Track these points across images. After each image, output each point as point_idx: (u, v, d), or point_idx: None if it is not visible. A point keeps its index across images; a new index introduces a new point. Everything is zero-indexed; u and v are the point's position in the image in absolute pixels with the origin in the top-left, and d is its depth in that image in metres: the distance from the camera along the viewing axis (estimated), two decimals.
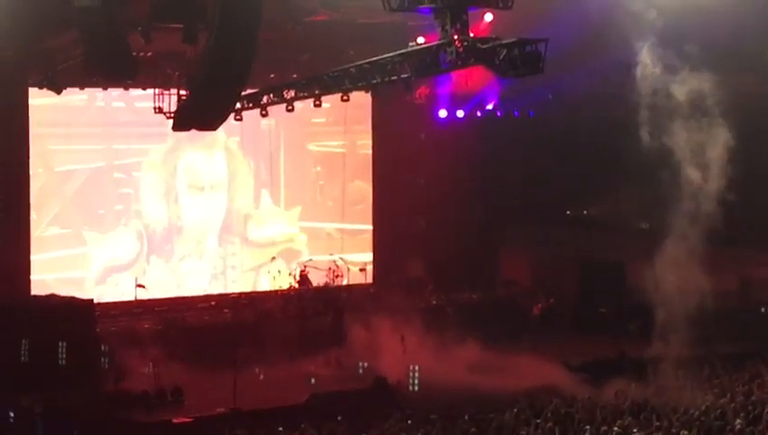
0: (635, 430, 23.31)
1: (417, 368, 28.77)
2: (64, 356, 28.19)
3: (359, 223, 39.27)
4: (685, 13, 30.22)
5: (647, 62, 32.92)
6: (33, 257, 32.32)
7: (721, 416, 24.59)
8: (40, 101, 32.46)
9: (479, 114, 38.26)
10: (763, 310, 36.52)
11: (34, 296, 31.07)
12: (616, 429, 23.37)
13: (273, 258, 36.61)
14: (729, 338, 33.79)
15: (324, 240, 38.59)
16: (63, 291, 30.94)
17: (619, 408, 25.69)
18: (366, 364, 29.59)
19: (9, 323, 28.61)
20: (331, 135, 39.48)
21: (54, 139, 34.16)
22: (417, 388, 28.33)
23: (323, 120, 38.63)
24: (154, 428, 26.28)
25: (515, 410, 25.53)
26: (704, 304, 32.44)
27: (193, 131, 32.81)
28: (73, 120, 34.52)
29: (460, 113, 38.02)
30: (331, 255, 37.07)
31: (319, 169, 39.43)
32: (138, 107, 33.33)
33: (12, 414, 24.87)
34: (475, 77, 34.83)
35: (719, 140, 32.12)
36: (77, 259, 34.14)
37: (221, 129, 34.68)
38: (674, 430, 23.30)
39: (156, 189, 36.10)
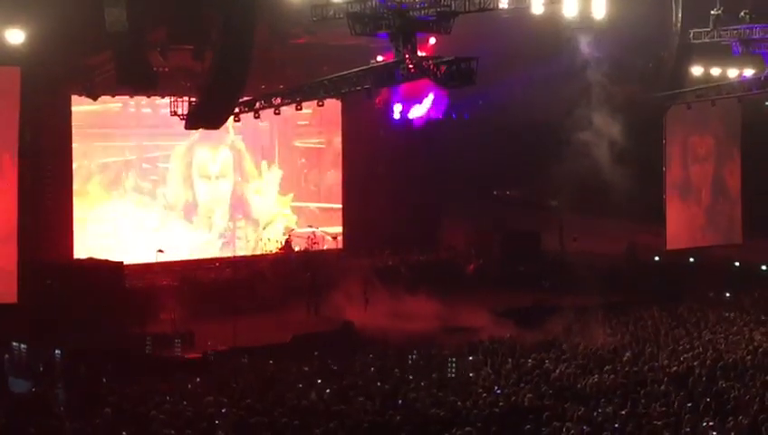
0: (546, 362, 23.20)
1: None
2: (101, 306, 27.75)
3: (333, 202, 38.85)
4: (588, 36, 30.04)
5: (557, 74, 32.90)
6: (76, 228, 31.83)
7: (613, 350, 24.55)
8: (85, 107, 31.96)
9: (425, 117, 37.92)
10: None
11: (76, 259, 30.64)
12: (530, 360, 23.27)
13: (264, 228, 36.37)
14: (619, 290, 33.71)
15: (308, 216, 38.13)
16: (100, 255, 30.48)
17: (534, 344, 25.56)
18: None
19: (56, 281, 28.19)
20: (313, 134, 39.05)
21: (95, 137, 33.58)
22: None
23: (306, 122, 38.24)
24: (171, 361, 26.01)
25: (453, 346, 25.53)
26: (599, 264, 32.46)
27: (205, 132, 32.70)
28: (111, 122, 33.93)
29: (410, 116, 37.69)
30: (310, 226, 36.85)
31: (303, 160, 39.02)
32: (161, 112, 32.75)
33: (58, 352, 24.43)
34: (422, 88, 34.57)
35: (611, 136, 32.09)
36: (113, 230, 33.62)
37: (229, 129, 34.96)
38: (575, 361, 23.21)
39: (177, 176, 35.60)
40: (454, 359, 23.25)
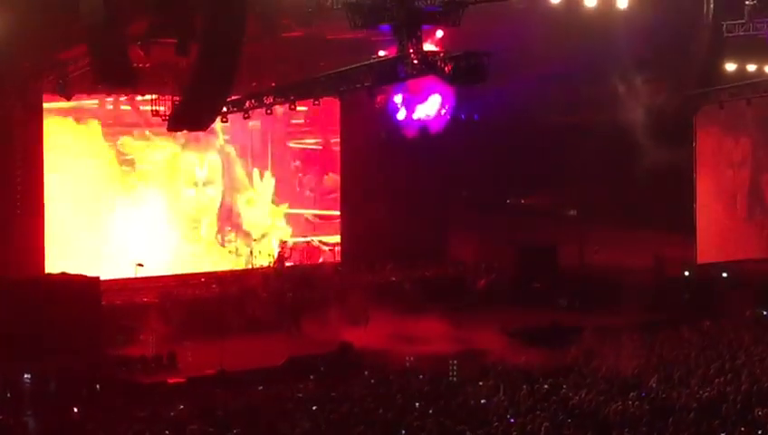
0: (564, 387, 23.23)
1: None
2: (75, 326, 27.78)
3: (332, 210, 38.95)
4: (610, 28, 30.13)
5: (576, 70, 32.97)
6: (49, 239, 31.77)
7: (638, 375, 24.56)
8: (57, 104, 32.05)
9: (431, 117, 37.99)
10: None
11: (48, 274, 30.62)
12: (547, 386, 23.31)
13: (255, 240, 36.42)
14: (644, 308, 33.70)
15: (303, 225, 38.27)
16: (74, 270, 30.53)
17: (551, 368, 25.57)
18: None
19: (26, 298, 28.18)
20: (308, 134, 39.19)
21: (70, 137, 33.66)
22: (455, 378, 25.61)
23: (301, 121, 38.36)
24: (151, 387, 26.00)
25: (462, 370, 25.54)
26: (623, 279, 32.50)
27: (192, 134, 32.75)
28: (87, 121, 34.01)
29: (415, 116, 37.77)
30: (305, 237, 36.90)
31: (298, 163, 39.13)
32: (142, 110, 32.85)
33: (27, 377, 24.47)
34: (428, 85, 34.65)
35: (636, 138, 32.14)
36: (87, 241, 33.65)
37: (218, 132, 35.04)
38: (596, 387, 23.22)
39: (160, 183, 35.70)
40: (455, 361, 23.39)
